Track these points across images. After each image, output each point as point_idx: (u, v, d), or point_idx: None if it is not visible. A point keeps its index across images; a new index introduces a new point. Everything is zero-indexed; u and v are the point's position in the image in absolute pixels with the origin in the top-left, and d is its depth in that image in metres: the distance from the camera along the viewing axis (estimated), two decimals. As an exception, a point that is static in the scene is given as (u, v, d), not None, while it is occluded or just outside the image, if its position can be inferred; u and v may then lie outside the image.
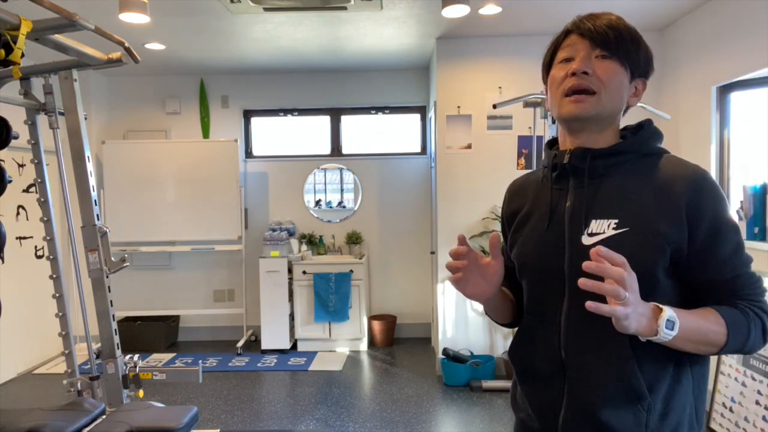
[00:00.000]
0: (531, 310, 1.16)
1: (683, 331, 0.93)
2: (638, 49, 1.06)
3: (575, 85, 1.04)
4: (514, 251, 1.18)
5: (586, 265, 0.87)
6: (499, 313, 1.24)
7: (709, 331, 0.96)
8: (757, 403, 2.91)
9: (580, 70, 1.04)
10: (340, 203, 5.69)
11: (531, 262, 1.14)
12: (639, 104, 3.44)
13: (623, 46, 1.04)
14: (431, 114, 4.98)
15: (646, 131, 1.08)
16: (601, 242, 1.01)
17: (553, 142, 1.19)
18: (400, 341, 5.43)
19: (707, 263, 1.01)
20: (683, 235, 0.99)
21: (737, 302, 1.00)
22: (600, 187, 1.06)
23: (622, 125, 1.13)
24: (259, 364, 4.77)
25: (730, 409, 3.09)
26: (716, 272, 1.01)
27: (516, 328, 1.25)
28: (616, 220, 1.02)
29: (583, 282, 0.87)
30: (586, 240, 1.04)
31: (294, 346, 5.18)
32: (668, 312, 0.91)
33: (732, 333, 0.96)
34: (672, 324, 0.91)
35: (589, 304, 0.85)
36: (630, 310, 0.86)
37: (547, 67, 1.14)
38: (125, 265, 2.63)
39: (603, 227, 1.03)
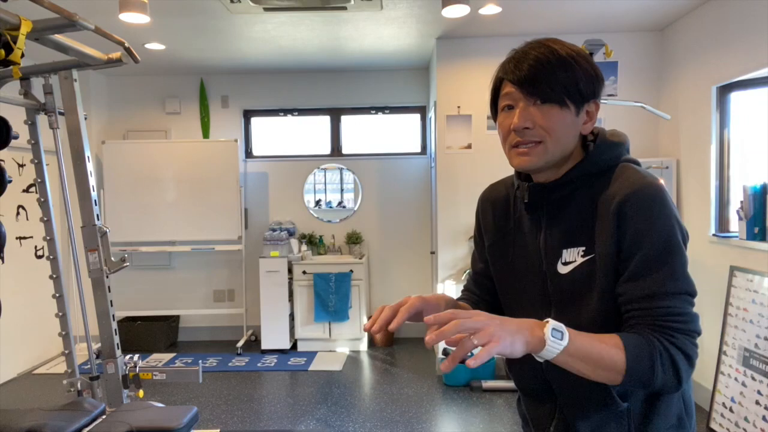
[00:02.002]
0: None
1: (574, 347, 0.88)
2: (575, 78, 0.99)
3: (519, 142, 1.02)
4: (494, 272, 1.20)
5: (427, 340, 0.84)
6: None
7: (605, 353, 0.90)
8: (757, 403, 2.90)
9: (520, 127, 1.00)
10: (340, 203, 5.69)
11: (514, 289, 1.15)
12: (639, 104, 3.44)
13: (558, 86, 0.98)
14: (431, 114, 4.98)
15: (597, 151, 1.04)
16: (574, 270, 1.03)
17: None
18: (400, 341, 5.43)
19: (623, 275, 0.97)
20: (615, 253, 0.98)
21: (645, 330, 0.93)
22: (564, 217, 1.06)
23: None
24: (259, 364, 4.77)
25: (730, 409, 3.09)
26: (628, 287, 0.96)
27: None
28: (583, 248, 1.02)
29: (428, 340, 0.84)
30: (561, 269, 1.05)
31: (294, 346, 5.18)
32: (553, 322, 0.88)
33: (631, 359, 0.90)
34: (560, 334, 0.87)
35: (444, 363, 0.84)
36: (491, 341, 0.83)
37: (493, 110, 1.10)
38: (125, 265, 2.63)
39: (574, 256, 1.03)
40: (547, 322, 0.88)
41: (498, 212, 1.20)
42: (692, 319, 0.95)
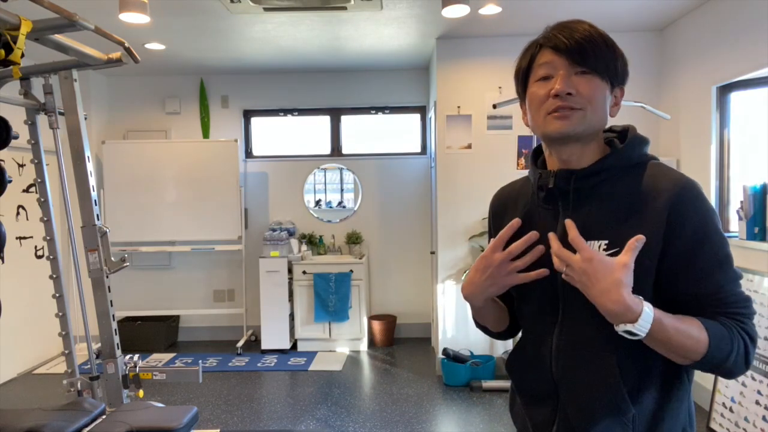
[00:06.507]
0: (526, 328, 1.18)
1: (662, 327, 0.91)
2: (616, 58, 1.03)
3: (560, 106, 1.01)
4: None
5: (558, 265, 1.00)
6: (491, 320, 1.21)
7: (689, 337, 0.93)
8: (757, 403, 2.91)
9: (563, 92, 1.00)
10: (340, 203, 5.69)
11: (523, 285, 1.12)
12: (639, 104, 3.44)
13: (602, 59, 1.01)
14: (431, 114, 4.98)
15: (630, 144, 1.06)
16: None
17: (538, 152, 1.17)
18: (400, 341, 5.43)
19: (689, 275, 0.98)
20: (661, 248, 0.99)
21: (721, 318, 0.97)
22: (588, 208, 1.05)
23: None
24: (259, 364, 4.77)
25: (730, 409, 3.09)
26: (698, 285, 0.98)
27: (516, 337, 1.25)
28: (606, 241, 1.01)
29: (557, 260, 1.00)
30: None
31: (294, 346, 5.18)
32: (647, 303, 0.93)
33: (714, 344, 0.93)
34: (650, 315, 0.91)
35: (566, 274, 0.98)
36: (597, 265, 0.93)
37: (523, 82, 1.09)
38: (125, 265, 2.63)
39: (594, 249, 1.01)
40: (642, 300, 0.93)
41: (509, 211, 1.19)
42: (751, 303, 1.00)
